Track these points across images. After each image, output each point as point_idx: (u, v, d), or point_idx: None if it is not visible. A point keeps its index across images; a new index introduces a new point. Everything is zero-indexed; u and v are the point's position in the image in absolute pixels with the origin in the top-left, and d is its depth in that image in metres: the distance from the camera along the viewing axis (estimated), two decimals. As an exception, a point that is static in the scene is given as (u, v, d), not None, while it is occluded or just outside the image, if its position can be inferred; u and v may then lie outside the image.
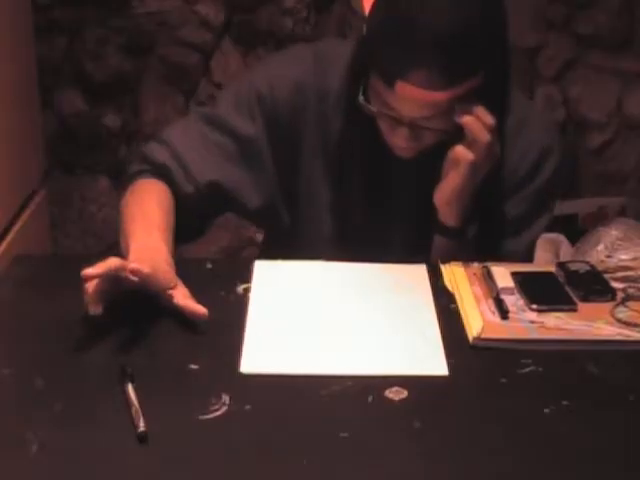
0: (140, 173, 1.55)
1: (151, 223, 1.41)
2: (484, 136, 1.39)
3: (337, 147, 1.53)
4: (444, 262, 1.44)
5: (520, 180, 1.53)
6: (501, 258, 1.48)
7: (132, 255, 1.31)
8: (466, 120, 1.38)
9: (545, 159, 1.54)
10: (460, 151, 1.41)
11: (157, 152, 1.55)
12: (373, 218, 1.54)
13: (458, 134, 1.41)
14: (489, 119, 1.39)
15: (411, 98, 1.36)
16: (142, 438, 1.04)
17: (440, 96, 1.35)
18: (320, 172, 1.55)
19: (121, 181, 1.59)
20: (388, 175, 1.53)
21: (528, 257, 1.58)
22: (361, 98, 1.42)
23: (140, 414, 1.06)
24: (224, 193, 1.54)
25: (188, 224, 1.51)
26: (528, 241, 1.57)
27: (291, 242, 1.60)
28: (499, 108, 1.44)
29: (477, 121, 1.39)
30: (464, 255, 1.46)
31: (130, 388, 1.11)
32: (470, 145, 1.40)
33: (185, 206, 1.51)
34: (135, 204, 1.47)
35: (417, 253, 1.49)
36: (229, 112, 1.55)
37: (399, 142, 1.43)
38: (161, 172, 1.53)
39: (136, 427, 1.05)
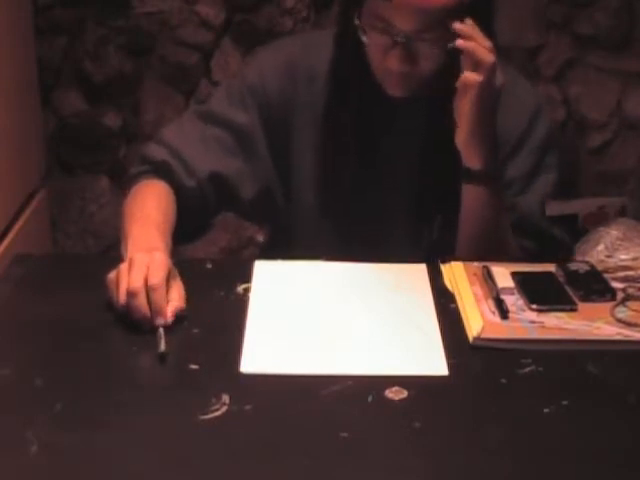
0: (140, 174, 1.56)
1: (150, 223, 1.41)
2: (488, 57, 1.40)
3: (327, 113, 1.54)
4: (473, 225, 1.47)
5: (517, 141, 1.55)
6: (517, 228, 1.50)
7: (131, 256, 1.30)
8: (468, 44, 1.39)
9: (537, 117, 1.58)
10: (468, 76, 1.41)
11: (155, 151, 1.57)
12: (367, 184, 1.55)
13: (453, 67, 1.42)
14: (488, 42, 1.41)
15: (409, 5, 1.38)
16: (162, 357, 1.17)
17: (437, 1, 1.38)
18: (311, 150, 1.56)
19: (121, 182, 1.60)
20: (381, 130, 1.54)
21: (540, 220, 1.58)
22: (356, 21, 1.44)
23: (162, 336, 1.19)
24: (224, 184, 1.55)
25: (190, 223, 1.52)
26: (536, 200, 1.57)
27: (288, 232, 1.61)
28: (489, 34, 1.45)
29: (478, 45, 1.40)
30: (497, 207, 1.48)
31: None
32: (475, 69, 1.40)
33: (187, 202, 1.52)
34: (135, 205, 1.48)
35: (417, 230, 1.51)
36: (222, 106, 1.58)
37: (393, 65, 1.43)
38: (161, 169, 1.54)
39: (157, 347, 1.17)
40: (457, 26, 1.39)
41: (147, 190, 1.52)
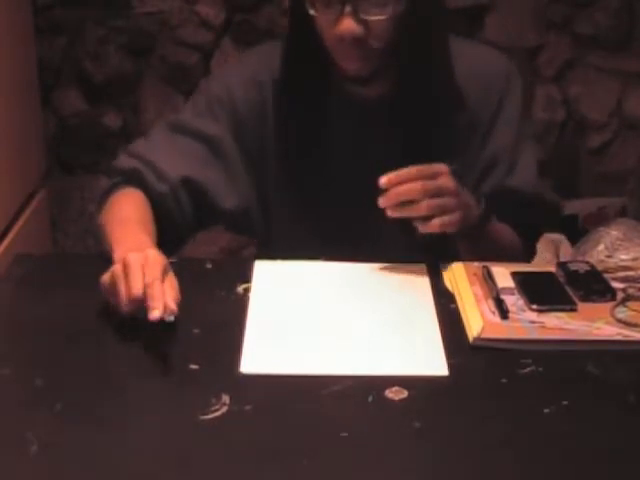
0: (113, 187, 1.54)
1: (133, 223, 1.40)
2: (447, 184, 1.35)
3: (294, 134, 1.53)
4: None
5: (489, 120, 1.54)
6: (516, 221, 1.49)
7: (124, 256, 1.25)
8: (419, 208, 1.33)
9: (507, 89, 1.55)
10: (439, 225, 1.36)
11: (124, 162, 1.56)
12: (332, 185, 1.54)
13: (409, 37, 1.42)
14: (429, 169, 1.35)
15: None
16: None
17: None
18: (286, 160, 1.55)
19: (97, 197, 1.58)
20: (342, 130, 1.53)
21: (538, 194, 1.58)
22: (307, 5, 1.42)
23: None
24: (199, 191, 1.53)
25: (167, 232, 1.47)
26: (530, 175, 1.57)
27: (269, 243, 1.61)
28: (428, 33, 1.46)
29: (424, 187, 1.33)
30: (493, 234, 1.49)
31: None
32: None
33: (162, 209, 1.50)
34: (113, 212, 1.47)
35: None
36: (192, 117, 1.57)
37: (345, 29, 1.40)
38: (132, 178, 1.53)
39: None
40: (385, 183, 1.31)
41: (122, 198, 1.50)
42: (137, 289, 1.19)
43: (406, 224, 1.37)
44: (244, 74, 1.57)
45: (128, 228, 1.39)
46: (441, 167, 1.36)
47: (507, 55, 1.62)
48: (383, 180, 1.30)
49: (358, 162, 1.53)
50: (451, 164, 1.37)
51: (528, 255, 1.64)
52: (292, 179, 1.53)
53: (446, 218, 1.35)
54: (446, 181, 1.35)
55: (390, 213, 1.32)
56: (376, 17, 1.40)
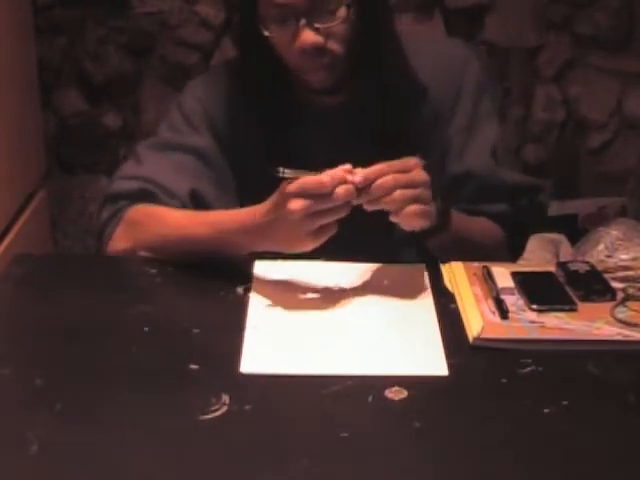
0: (119, 210, 1.50)
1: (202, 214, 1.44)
2: (419, 177, 1.33)
3: (269, 141, 1.53)
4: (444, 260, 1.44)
5: (449, 109, 1.55)
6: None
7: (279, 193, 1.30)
8: (389, 199, 1.31)
9: (464, 76, 1.56)
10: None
11: (129, 185, 1.52)
12: None
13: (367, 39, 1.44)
14: (400, 163, 1.33)
15: None
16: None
17: None
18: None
19: (94, 230, 1.56)
20: (309, 138, 1.53)
21: (497, 175, 1.57)
22: (257, 19, 1.44)
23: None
24: (203, 202, 1.51)
25: None
26: (484, 153, 1.56)
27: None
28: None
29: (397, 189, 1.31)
30: (464, 233, 1.48)
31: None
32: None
33: None
34: (162, 223, 1.45)
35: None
36: (174, 134, 1.57)
37: (305, 41, 1.42)
38: (142, 197, 1.50)
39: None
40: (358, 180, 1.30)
41: (146, 210, 1.48)
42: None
43: (388, 220, 1.36)
44: (211, 87, 1.58)
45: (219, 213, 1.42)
46: (412, 161, 1.34)
47: (463, 40, 1.64)
48: (358, 179, 1.29)
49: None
50: (421, 159, 1.37)
51: (514, 252, 1.63)
52: (271, 191, 1.52)
53: (420, 208, 1.32)
54: (418, 173, 1.33)
55: (366, 207, 1.32)
56: (330, 24, 1.42)
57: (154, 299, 1.37)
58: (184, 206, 1.49)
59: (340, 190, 1.27)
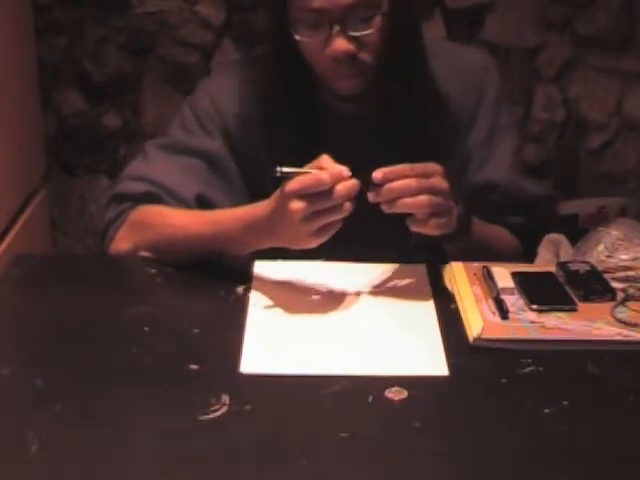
0: (124, 211, 1.50)
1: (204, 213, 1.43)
2: (440, 184, 1.32)
3: (285, 145, 1.51)
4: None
5: (469, 119, 1.55)
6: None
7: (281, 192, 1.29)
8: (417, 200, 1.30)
9: (484, 87, 1.56)
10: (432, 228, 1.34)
11: (136, 186, 1.51)
12: None
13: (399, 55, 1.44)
14: (420, 167, 1.33)
15: None
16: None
17: None
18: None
19: (99, 228, 1.55)
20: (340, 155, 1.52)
21: (515, 187, 1.57)
22: (288, 23, 1.42)
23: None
24: (209, 207, 1.50)
25: None
26: (504, 167, 1.56)
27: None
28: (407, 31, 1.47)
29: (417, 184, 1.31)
30: (482, 240, 1.47)
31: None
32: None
33: None
34: (167, 224, 1.45)
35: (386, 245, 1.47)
36: (184, 137, 1.54)
37: (337, 50, 1.40)
38: (149, 200, 1.49)
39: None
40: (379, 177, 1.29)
41: (152, 210, 1.48)
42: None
43: (401, 223, 1.36)
44: (228, 87, 1.56)
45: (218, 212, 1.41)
46: (435, 167, 1.33)
47: (483, 50, 1.63)
48: (378, 175, 1.28)
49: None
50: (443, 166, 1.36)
51: (528, 258, 1.63)
52: None
53: (439, 220, 1.32)
54: (439, 181, 1.32)
55: (386, 209, 1.31)
56: (364, 32, 1.41)
57: (154, 299, 1.37)
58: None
59: (340, 187, 1.26)
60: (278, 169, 1.29)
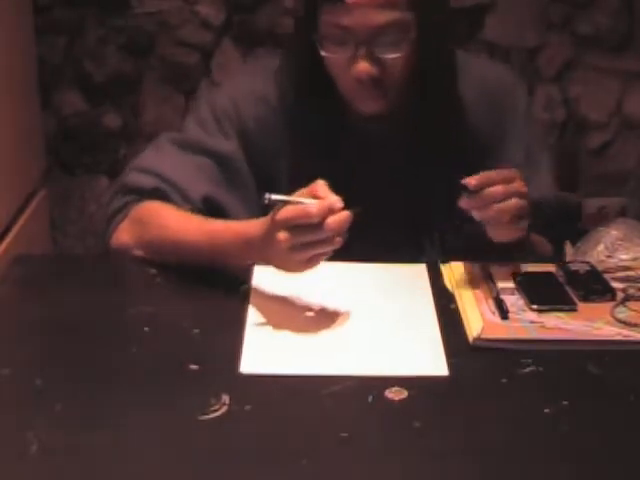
0: (129, 204, 1.49)
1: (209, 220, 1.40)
2: (521, 187, 1.35)
3: (307, 153, 1.50)
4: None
5: (501, 132, 1.54)
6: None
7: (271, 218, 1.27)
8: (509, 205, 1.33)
9: (514, 100, 1.56)
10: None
11: (144, 180, 1.50)
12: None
13: (422, 79, 1.43)
14: (500, 173, 1.35)
15: (363, 3, 1.34)
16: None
17: None
18: (297, 180, 1.51)
19: (102, 217, 1.54)
20: (360, 167, 1.51)
21: (559, 204, 1.58)
22: (315, 37, 1.41)
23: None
24: (217, 210, 1.49)
25: None
26: (548, 182, 1.57)
27: None
28: (439, 49, 1.45)
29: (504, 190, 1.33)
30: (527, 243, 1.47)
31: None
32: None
33: None
34: (165, 227, 1.43)
35: (407, 254, 1.48)
36: (199, 135, 1.52)
37: (360, 71, 1.39)
38: (155, 196, 1.48)
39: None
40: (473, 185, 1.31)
41: (157, 207, 1.46)
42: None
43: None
44: (250, 89, 1.53)
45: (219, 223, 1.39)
46: (514, 172, 1.35)
47: (510, 68, 1.62)
48: (473, 182, 1.30)
49: (374, 190, 1.51)
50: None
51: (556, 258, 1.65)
52: None
53: (521, 223, 1.36)
54: (522, 185, 1.34)
55: (478, 215, 1.32)
56: (391, 55, 1.39)
57: (154, 299, 1.37)
58: (195, 211, 1.47)
59: (331, 221, 1.22)
60: (267, 196, 1.25)
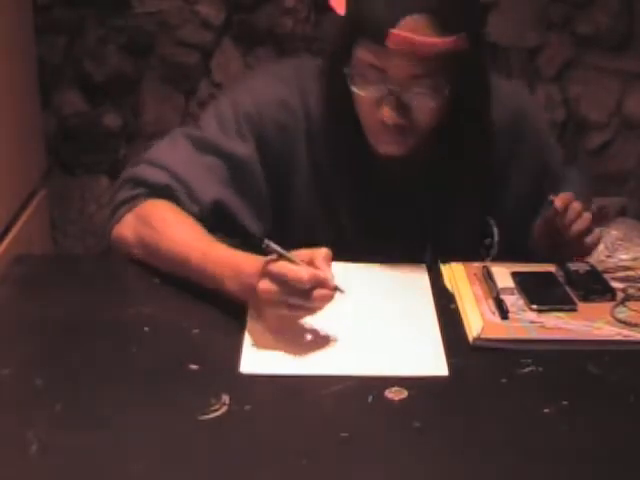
0: (136, 197, 1.47)
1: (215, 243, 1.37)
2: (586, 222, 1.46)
3: (325, 165, 1.49)
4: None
5: (518, 153, 1.55)
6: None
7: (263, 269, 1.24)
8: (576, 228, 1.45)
9: (532, 114, 1.57)
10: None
11: (155, 174, 1.47)
12: (368, 234, 1.51)
13: (449, 125, 1.42)
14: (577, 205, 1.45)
15: (404, 46, 1.31)
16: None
17: (433, 42, 1.31)
18: (312, 190, 1.51)
19: (109, 206, 1.50)
20: (378, 188, 1.50)
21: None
22: (346, 70, 1.38)
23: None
24: (226, 213, 1.47)
25: None
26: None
27: None
28: (479, 86, 1.44)
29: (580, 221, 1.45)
30: None
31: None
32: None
33: None
34: (172, 226, 1.41)
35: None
36: (217, 135, 1.49)
37: (387, 116, 1.36)
38: (164, 193, 1.46)
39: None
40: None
41: (165, 207, 1.44)
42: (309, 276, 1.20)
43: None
44: (275, 94, 1.50)
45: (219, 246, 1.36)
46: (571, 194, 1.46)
47: (522, 83, 1.64)
48: (559, 202, 1.43)
49: (389, 208, 1.52)
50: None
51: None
52: (315, 208, 1.50)
53: (598, 232, 1.50)
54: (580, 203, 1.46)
55: (564, 231, 1.45)
56: (421, 104, 1.36)
57: (154, 299, 1.37)
58: (202, 213, 1.45)
59: (318, 294, 1.21)
60: (265, 242, 1.23)
